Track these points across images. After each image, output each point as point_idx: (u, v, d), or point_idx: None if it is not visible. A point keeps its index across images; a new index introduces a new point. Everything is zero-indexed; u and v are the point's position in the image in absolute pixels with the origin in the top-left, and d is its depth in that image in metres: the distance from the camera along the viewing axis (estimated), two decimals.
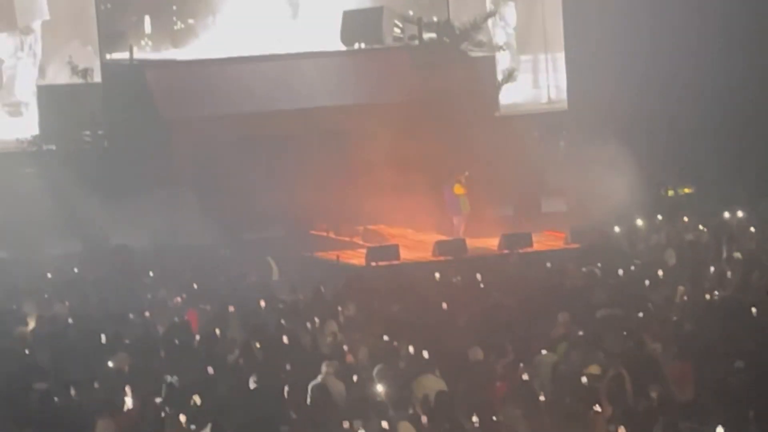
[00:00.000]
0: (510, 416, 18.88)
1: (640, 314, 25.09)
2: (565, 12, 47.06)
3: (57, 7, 43.19)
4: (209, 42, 44.44)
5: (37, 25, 43.36)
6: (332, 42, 44.63)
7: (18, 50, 43.30)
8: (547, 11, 47.54)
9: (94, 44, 43.34)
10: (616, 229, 36.92)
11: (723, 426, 17.54)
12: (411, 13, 45.94)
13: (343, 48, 44.71)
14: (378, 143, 39.55)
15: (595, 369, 21.00)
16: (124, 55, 42.91)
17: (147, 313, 28.13)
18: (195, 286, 31.39)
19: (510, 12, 47.55)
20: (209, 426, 19.30)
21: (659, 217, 38.58)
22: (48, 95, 42.37)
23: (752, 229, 35.20)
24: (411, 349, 23.07)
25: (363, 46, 44.15)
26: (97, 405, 20.34)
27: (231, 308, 27.96)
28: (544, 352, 22.46)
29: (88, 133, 41.28)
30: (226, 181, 39.38)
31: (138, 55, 43.07)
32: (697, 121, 43.93)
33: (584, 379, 20.32)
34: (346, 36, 44.24)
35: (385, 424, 18.46)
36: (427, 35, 45.34)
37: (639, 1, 44.87)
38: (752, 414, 17.87)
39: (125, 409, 20.50)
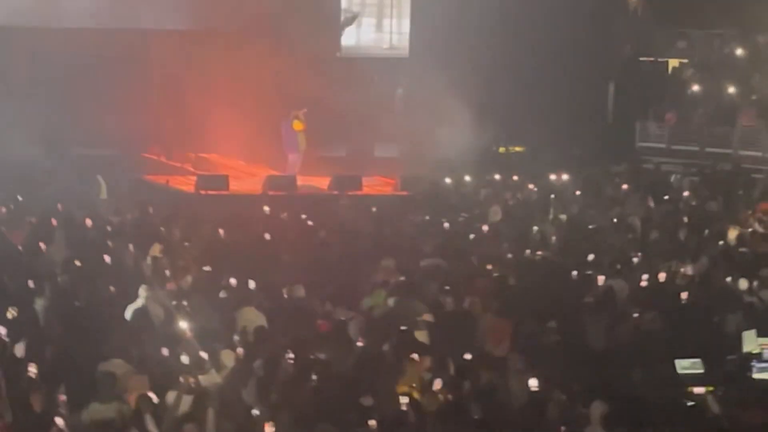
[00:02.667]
0: (327, 355, 18.97)
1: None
2: None
3: None
4: None
5: None
6: None
7: None
8: None
9: None
10: (447, 180, 37.20)
11: (536, 379, 17.85)
12: None
13: None
14: (216, 70, 39.51)
15: (427, 317, 21.26)
16: None
17: None
18: (20, 197, 31.21)
19: None
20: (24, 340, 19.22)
21: (487, 170, 39.02)
22: None
23: (577, 192, 35.71)
24: (233, 280, 23.14)
25: None
26: None
27: (54, 222, 27.88)
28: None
29: None
30: (58, 95, 39.02)
31: None
32: (534, 83, 44.40)
33: (403, 327, 20.48)
34: None
35: (204, 354, 18.46)
36: None
37: None
38: (560, 370, 18.19)
39: None
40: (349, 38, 46.20)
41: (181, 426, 16.36)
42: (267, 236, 27.49)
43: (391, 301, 22.27)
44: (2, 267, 23.80)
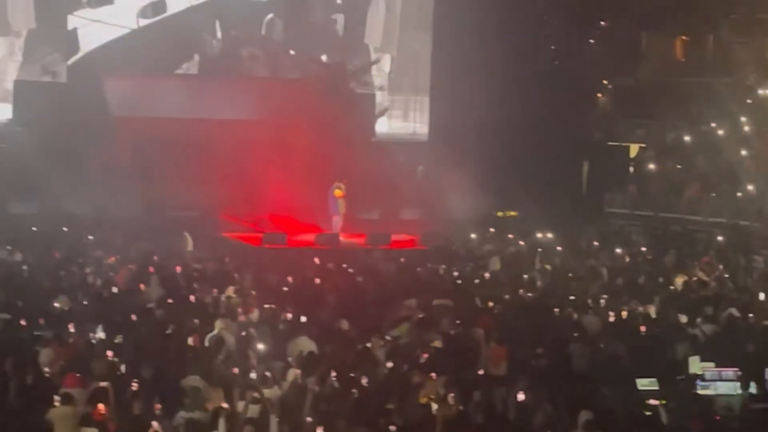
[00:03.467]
0: (363, 375, 18.95)
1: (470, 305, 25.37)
2: (433, 66, 47.37)
3: (40, 19, 42.67)
4: None
5: (24, 32, 42.82)
6: None
7: (9, 49, 42.81)
8: (419, 64, 47.72)
9: (63, 52, 42.92)
10: (457, 237, 37.14)
11: (524, 393, 17.79)
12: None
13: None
14: (280, 152, 39.58)
15: (438, 344, 21.21)
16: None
17: (90, 268, 27.92)
18: (126, 248, 31.28)
19: (386, 61, 47.62)
20: (128, 362, 19.25)
21: (491, 230, 38.99)
22: (22, 88, 41.89)
23: (558, 248, 35.63)
24: (290, 315, 23.13)
25: None
26: (43, 337, 20.21)
27: (151, 269, 27.91)
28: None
29: (49, 120, 40.82)
30: (157, 169, 39.15)
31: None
32: (525, 162, 44.42)
33: (423, 353, 20.43)
34: None
35: (267, 372, 18.45)
36: (323, 72, 45.61)
37: (488, 63, 45.34)
38: (547, 387, 18.14)
39: (64, 341, 20.34)
40: (381, 126, 46.30)
41: (249, 430, 16.39)
42: (317, 281, 27.48)
43: (413, 332, 22.28)
44: (110, 303, 23.83)
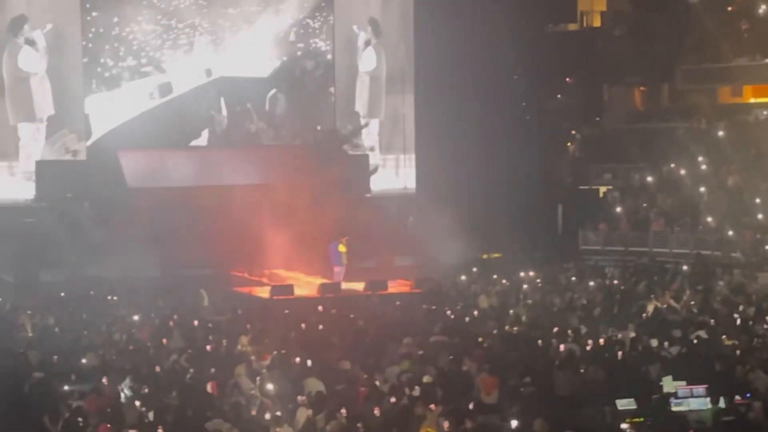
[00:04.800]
0: (368, 410, 18.91)
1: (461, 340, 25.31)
2: (417, 126, 47.63)
3: (59, 106, 42.95)
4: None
5: (45, 118, 43.05)
6: None
7: (34, 134, 43.02)
8: (407, 124, 48.02)
9: (81, 134, 43.16)
10: (447, 279, 37.13)
11: (517, 420, 17.75)
12: None
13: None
14: (282, 212, 39.60)
15: (428, 378, 21.14)
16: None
17: (115, 326, 27.88)
18: (148, 307, 31.24)
19: (375, 124, 47.91)
20: (154, 409, 19.21)
21: (474, 270, 39.02)
22: (45, 167, 42.04)
23: (539, 283, 35.65)
24: (298, 359, 23.08)
25: None
26: (75, 392, 20.17)
27: (171, 323, 27.89)
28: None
29: (70, 195, 40.94)
30: (172, 233, 39.17)
31: None
32: (506, 209, 44.58)
33: (417, 387, 20.39)
34: None
35: (278, 412, 18.41)
36: (318, 137, 45.90)
37: (467, 121, 45.64)
38: (535, 415, 18.08)
39: (95, 395, 20.30)
40: (375, 183, 46.49)
41: None
42: (320, 326, 27.44)
43: (411, 368, 22.22)
44: (135, 356, 23.78)
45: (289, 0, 46.62)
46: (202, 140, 45.42)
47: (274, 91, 46.70)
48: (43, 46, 42.77)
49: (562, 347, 24.00)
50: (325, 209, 39.34)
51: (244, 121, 46.26)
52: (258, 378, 21.55)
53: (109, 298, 33.16)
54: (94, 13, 43.71)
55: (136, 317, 29.56)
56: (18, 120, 42.70)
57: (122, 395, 20.51)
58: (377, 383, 20.78)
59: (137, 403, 19.33)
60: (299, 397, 20.02)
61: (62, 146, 42.82)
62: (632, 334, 25.41)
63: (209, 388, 20.70)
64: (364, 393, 20.21)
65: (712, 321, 26.94)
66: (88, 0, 43.49)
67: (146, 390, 20.60)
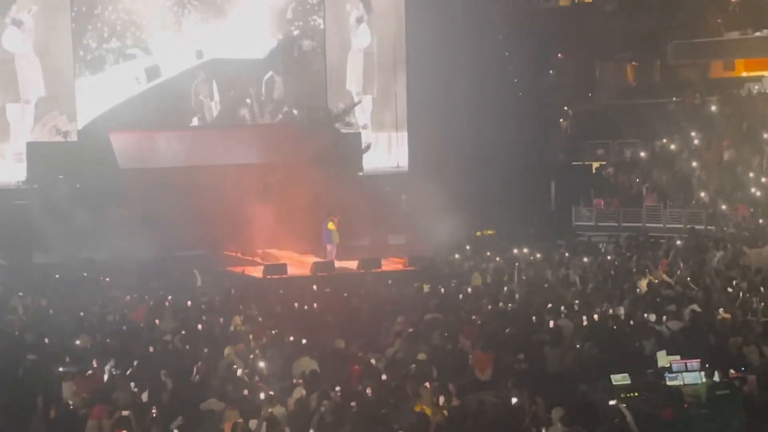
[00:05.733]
0: (362, 389, 18.86)
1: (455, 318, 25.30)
2: (409, 103, 47.56)
3: (50, 87, 42.73)
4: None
5: (34, 99, 42.85)
6: None
7: (22, 115, 42.82)
8: (399, 102, 47.89)
9: (71, 115, 42.91)
10: (440, 257, 37.11)
11: (516, 397, 17.74)
12: None
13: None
14: (276, 191, 39.63)
15: (422, 356, 21.10)
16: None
17: (108, 308, 27.80)
18: (141, 288, 31.18)
19: (368, 102, 47.74)
20: (148, 390, 19.16)
21: (468, 248, 38.99)
22: (35, 149, 41.86)
23: (532, 260, 35.63)
24: (291, 338, 23.02)
25: None
26: (68, 373, 20.09)
27: (166, 303, 27.84)
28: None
29: (62, 177, 40.77)
30: (164, 214, 39.07)
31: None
32: (498, 185, 44.60)
33: (413, 365, 20.36)
34: None
35: (271, 392, 18.35)
36: (311, 116, 45.68)
37: (458, 98, 45.56)
38: (527, 389, 18.05)
39: (86, 374, 20.22)
40: (367, 162, 46.36)
41: None
42: (315, 305, 27.40)
43: (405, 346, 22.18)
44: (128, 338, 23.71)
45: None
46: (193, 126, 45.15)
47: (270, 73, 46.11)
48: (30, 27, 42.56)
49: (552, 323, 23.97)
50: (318, 188, 39.31)
51: (239, 107, 45.72)
52: (251, 357, 21.47)
53: (101, 279, 33.06)
54: None
55: (129, 298, 29.49)
56: (5, 101, 42.57)
57: (105, 376, 20.43)
58: (371, 361, 20.71)
59: (131, 384, 19.25)
60: (293, 377, 19.96)
61: (53, 127, 42.74)
62: (626, 310, 25.38)
63: (203, 368, 20.62)
64: (358, 371, 20.16)
65: (706, 296, 26.90)
66: None
67: (139, 370, 20.52)
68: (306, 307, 27.25)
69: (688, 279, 29.89)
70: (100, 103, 43.55)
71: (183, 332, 23.84)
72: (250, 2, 45.69)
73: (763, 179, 42.20)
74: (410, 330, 23.34)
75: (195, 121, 44.96)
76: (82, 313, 26.78)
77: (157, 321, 25.59)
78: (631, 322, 24.07)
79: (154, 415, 17.49)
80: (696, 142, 46.15)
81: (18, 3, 42.52)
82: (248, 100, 45.66)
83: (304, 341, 22.60)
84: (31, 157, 41.61)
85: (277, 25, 46.24)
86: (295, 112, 45.45)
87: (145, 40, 44.09)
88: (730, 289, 27.63)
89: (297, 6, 46.51)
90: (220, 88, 45.24)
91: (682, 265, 32.26)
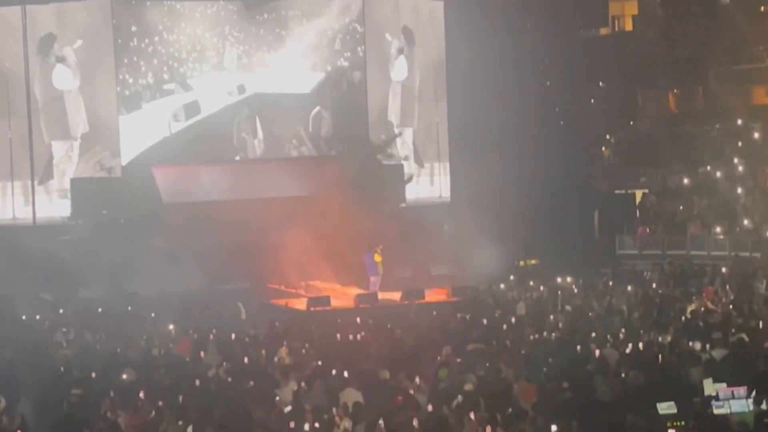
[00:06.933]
0: (407, 421, 18.82)
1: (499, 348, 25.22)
2: (450, 134, 47.62)
3: (93, 123, 42.99)
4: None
5: (79, 135, 43.12)
6: None
7: (67, 152, 43.10)
8: (440, 133, 47.88)
9: (115, 150, 43.14)
10: (484, 287, 37.06)
11: (556, 426, 17.65)
12: None
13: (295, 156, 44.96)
14: (319, 223, 39.65)
15: (469, 386, 21.04)
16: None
17: (153, 342, 27.92)
18: (185, 321, 31.27)
19: (409, 133, 47.77)
20: (192, 424, 19.19)
21: (511, 278, 38.94)
22: (79, 185, 42.19)
23: (575, 289, 35.50)
24: (335, 370, 23.02)
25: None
26: (115, 408, 20.17)
27: (211, 336, 27.91)
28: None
29: (106, 212, 41.06)
30: (207, 247, 39.26)
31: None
32: (542, 215, 44.50)
33: (460, 396, 20.30)
34: None
35: (317, 424, 18.36)
36: (353, 148, 45.70)
37: (500, 128, 45.59)
38: (575, 421, 17.96)
39: (133, 409, 20.30)
40: (409, 193, 46.35)
41: None
42: (359, 336, 27.40)
43: (450, 376, 22.14)
44: (173, 372, 23.78)
45: (332, 2, 44.82)
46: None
47: (317, 108, 45.40)
48: (75, 63, 42.85)
49: (597, 352, 23.86)
50: (360, 220, 39.34)
51: (284, 146, 44.87)
52: (296, 390, 21.50)
53: (146, 313, 33.22)
54: (113, 21, 42.83)
55: (173, 332, 29.60)
56: (52, 138, 42.90)
57: (152, 410, 20.50)
58: (415, 393, 20.68)
59: (176, 418, 19.30)
60: (337, 409, 19.95)
61: (97, 163, 42.93)
62: (672, 338, 25.25)
63: (249, 401, 20.66)
64: (403, 403, 20.13)
65: (753, 322, 26.73)
66: (114, 15, 42.96)
67: (185, 404, 20.58)
68: (351, 338, 27.24)
69: (733, 307, 29.71)
70: (141, 139, 43.50)
71: (227, 365, 23.89)
72: (295, 33, 44.94)
73: None
74: (455, 360, 23.29)
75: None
76: (127, 348, 26.89)
77: (201, 354, 25.67)
78: (677, 350, 23.92)
79: None
80: (740, 168, 45.92)
81: (59, 40, 42.73)
82: (294, 141, 44.92)
83: (346, 373, 22.60)
84: (76, 192, 41.96)
85: (326, 56, 45.44)
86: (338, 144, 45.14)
87: (183, 74, 43.70)
88: None
89: (346, 36, 45.65)
90: (263, 125, 44.62)
91: (728, 292, 32.08)
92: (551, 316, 30.04)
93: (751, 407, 18.46)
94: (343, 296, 37.71)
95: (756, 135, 47.28)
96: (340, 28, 45.51)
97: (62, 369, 24.56)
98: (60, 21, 42.75)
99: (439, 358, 23.95)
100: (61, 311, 34.58)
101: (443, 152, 47.92)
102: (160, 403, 20.66)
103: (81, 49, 42.78)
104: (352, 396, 20.49)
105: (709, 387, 19.68)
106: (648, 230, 45.17)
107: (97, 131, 43.00)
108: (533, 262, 44.25)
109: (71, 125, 42.88)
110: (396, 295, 36.84)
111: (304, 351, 25.58)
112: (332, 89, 45.45)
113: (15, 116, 42.57)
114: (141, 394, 21.06)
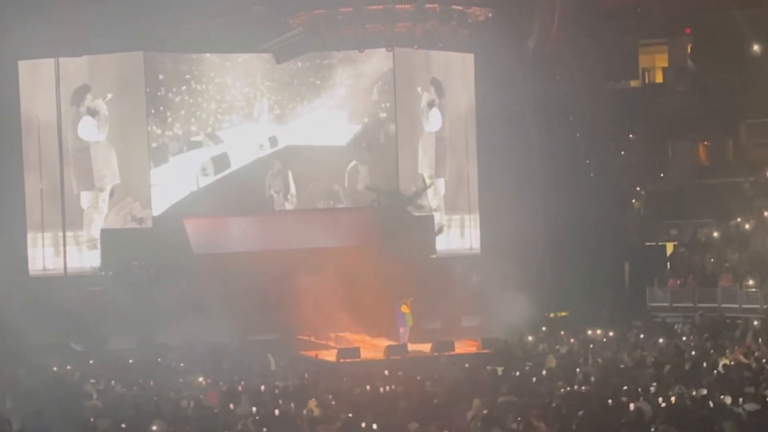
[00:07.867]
0: None
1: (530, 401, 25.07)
2: (480, 186, 47.60)
3: (124, 175, 43.18)
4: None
5: (108, 186, 43.30)
6: None
7: (95, 202, 43.26)
8: (471, 184, 47.82)
9: (145, 201, 43.23)
10: (514, 339, 36.91)
11: None
12: None
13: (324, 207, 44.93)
14: (349, 274, 39.63)
15: None
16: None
17: (183, 393, 27.91)
18: (215, 372, 31.27)
19: (440, 184, 47.75)
20: None
21: (543, 329, 38.77)
22: (109, 236, 42.34)
23: (606, 341, 35.30)
24: (363, 424, 22.93)
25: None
26: None
27: (239, 388, 27.87)
28: None
29: (136, 263, 41.14)
30: (237, 298, 39.30)
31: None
32: (571, 268, 44.35)
33: None
34: None
35: None
36: (383, 199, 45.60)
37: (530, 180, 45.50)
38: None
39: None
40: (440, 244, 46.28)
41: None
42: (388, 389, 27.28)
43: (481, 429, 22.00)
44: (203, 423, 23.74)
45: (369, 51, 42.25)
46: None
47: (354, 163, 45.18)
48: (105, 115, 43.12)
49: (632, 406, 23.68)
50: (391, 271, 39.32)
51: (317, 201, 44.62)
52: None
53: (176, 364, 33.23)
54: (145, 71, 42.81)
55: (203, 383, 29.58)
56: (80, 188, 43.11)
57: None
58: None
59: None
60: None
61: (128, 214, 43.12)
62: (704, 391, 25.04)
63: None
64: None
65: None
66: (146, 65, 42.91)
67: None
68: (380, 390, 27.15)
69: (766, 360, 29.47)
70: (171, 191, 43.58)
71: (257, 416, 23.84)
72: (330, 82, 44.60)
73: None
74: (485, 412, 23.16)
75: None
76: (156, 398, 26.89)
77: (231, 405, 25.62)
78: (711, 404, 23.72)
79: None
80: None
81: (93, 91, 43.05)
82: (331, 201, 44.58)
83: (375, 426, 22.50)
84: (106, 243, 42.12)
85: (363, 107, 44.98)
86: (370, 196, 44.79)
87: (212, 125, 43.68)
88: None
89: (384, 85, 44.96)
90: (296, 179, 44.34)
91: (760, 345, 31.83)
92: (581, 369, 29.83)
93: None
94: (372, 348, 37.61)
95: None
96: (378, 77, 44.98)
97: (92, 420, 24.58)
98: (93, 73, 43.05)
99: (469, 413, 23.87)
100: (91, 362, 34.65)
101: (473, 203, 47.89)
102: None
103: (112, 101, 43.05)
104: None
105: None
106: (678, 282, 44.92)
107: (128, 182, 43.19)
108: (564, 314, 44.07)
109: (96, 176, 43.06)
110: (426, 347, 36.74)
111: (333, 403, 25.49)
112: (370, 142, 45.00)
113: (46, 166, 42.82)
114: None
